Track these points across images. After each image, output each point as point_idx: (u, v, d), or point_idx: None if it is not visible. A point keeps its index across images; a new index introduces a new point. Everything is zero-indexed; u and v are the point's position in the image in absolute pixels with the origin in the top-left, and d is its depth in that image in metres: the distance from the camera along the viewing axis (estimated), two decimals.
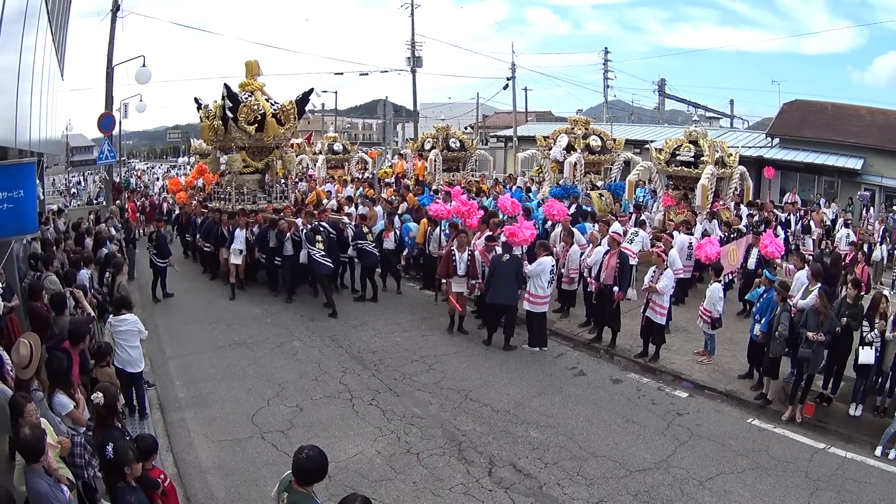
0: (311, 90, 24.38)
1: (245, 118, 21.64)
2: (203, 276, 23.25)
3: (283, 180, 24.46)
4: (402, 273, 22.04)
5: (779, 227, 22.52)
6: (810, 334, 11.55)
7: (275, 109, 22.26)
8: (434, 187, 28.74)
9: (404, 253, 21.55)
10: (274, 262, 20.07)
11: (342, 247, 19.82)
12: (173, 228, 28.50)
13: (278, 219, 20.00)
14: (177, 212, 28.93)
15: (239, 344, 15.90)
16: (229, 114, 21.51)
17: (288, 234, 19.31)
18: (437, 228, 19.51)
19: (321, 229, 18.67)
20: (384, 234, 20.19)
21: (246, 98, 22.01)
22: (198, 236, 23.04)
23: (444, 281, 16.55)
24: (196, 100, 23.65)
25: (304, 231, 18.81)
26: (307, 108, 25.56)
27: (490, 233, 17.56)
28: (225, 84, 21.91)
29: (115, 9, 28.34)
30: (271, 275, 20.82)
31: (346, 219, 21.04)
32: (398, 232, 20.96)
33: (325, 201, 26.32)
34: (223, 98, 21.80)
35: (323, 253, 18.06)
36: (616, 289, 15.11)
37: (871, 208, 30.25)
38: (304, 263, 18.99)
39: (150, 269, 20.46)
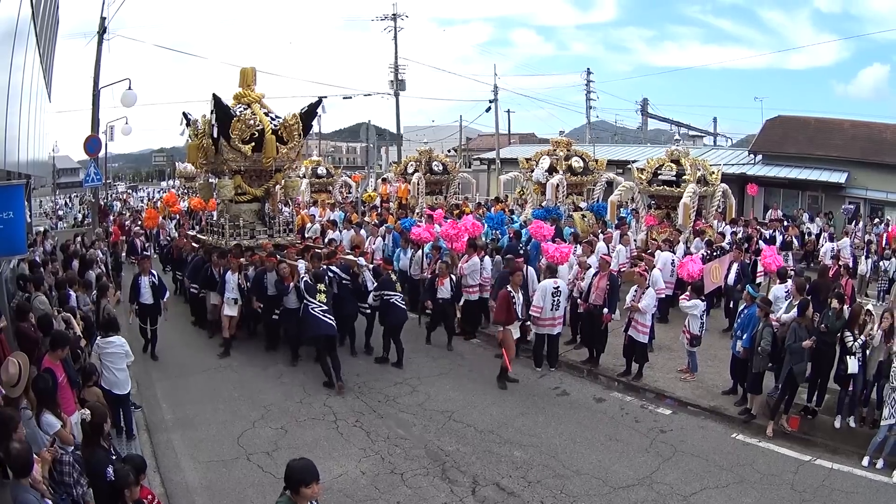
0: (320, 101, 20.21)
1: (239, 136, 18.08)
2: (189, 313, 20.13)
3: (286, 209, 21.51)
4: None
5: (762, 244, 22.74)
6: (807, 342, 11.83)
7: (275, 125, 18.69)
8: (417, 210, 28.75)
9: (460, 303, 17.96)
10: (272, 315, 16.82)
11: (358, 295, 16.60)
12: (163, 265, 25.73)
13: (278, 260, 16.82)
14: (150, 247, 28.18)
15: (224, 367, 15.93)
16: (216, 132, 18.02)
17: (291, 285, 15.92)
18: (420, 251, 19.39)
19: (327, 276, 15.34)
20: (438, 280, 17.04)
21: (240, 112, 18.47)
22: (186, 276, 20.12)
23: (500, 329, 14.70)
24: (184, 115, 20.20)
25: (304, 279, 15.14)
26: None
27: (477, 256, 17.80)
28: (214, 95, 17.98)
29: (102, 31, 28.30)
30: (269, 330, 17.36)
31: (362, 260, 17.09)
32: (454, 278, 17.39)
33: (308, 225, 26.09)
34: (211, 112, 18.19)
35: (324, 307, 14.50)
36: (605, 310, 15.28)
37: (859, 221, 30.44)
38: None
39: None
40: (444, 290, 16.98)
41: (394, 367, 15.89)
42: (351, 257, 17.31)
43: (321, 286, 14.64)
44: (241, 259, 17.40)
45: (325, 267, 15.79)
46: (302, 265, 16.44)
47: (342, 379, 14.43)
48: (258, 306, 16.67)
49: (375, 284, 16.33)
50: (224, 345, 16.88)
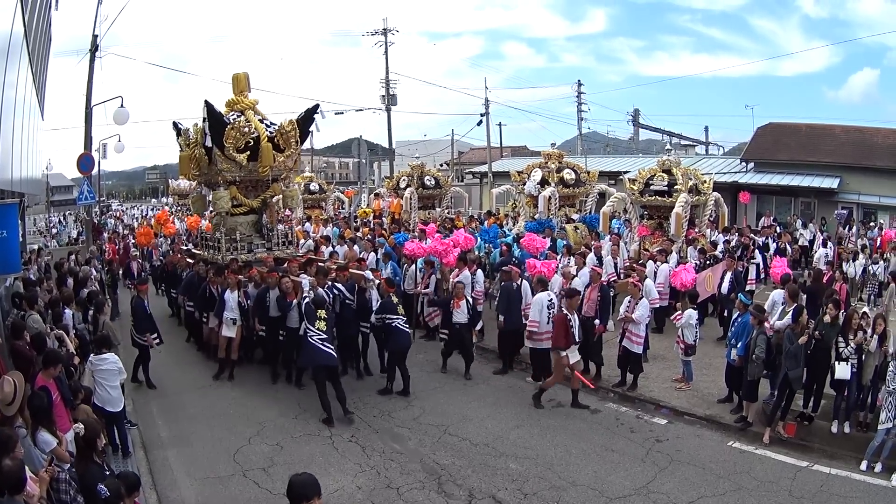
0: (317, 107, 19.38)
1: (234, 144, 17.15)
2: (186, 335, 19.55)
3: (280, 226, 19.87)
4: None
5: (756, 252, 22.82)
6: (803, 338, 11.88)
7: (271, 132, 17.79)
8: (409, 225, 28.75)
9: (478, 327, 16.98)
10: (276, 337, 15.80)
11: (362, 313, 15.72)
12: (157, 283, 24.93)
13: (280, 275, 15.86)
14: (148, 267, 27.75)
15: (219, 384, 15.87)
16: (209, 141, 17.19)
17: (294, 301, 15.07)
18: (413, 266, 19.24)
19: (331, 294, 14.77)
20: (454, 303, 15.97)
21: (234, 119, 17.52)
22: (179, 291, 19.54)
23: (562, 353, 13.89)
24: (175, 125, 19.21)
25: (306, 300, 14.09)
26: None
27: (468, 270, 17.73)
28: (206, 101, 16.97)
29: (94, 49, 28.23)
30: (270, 353, 16.34)
31: (369, 274, 16.39)
32: (470, 300, 16.52)
33: (302, 241, 25.84)
34: (203, 119, 17.24)
35: (323, 336, 13.20)
36: (598, 322, 15.28)
37: (852, 226, 30.56)
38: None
39: (133, 346, 15.83)
40: (461, 314, 15.95)
41: (399, 395, 14.80)
42: (359, 272, 16.39)
43: (321, 312, 13.46)
44: (240, 276, 16.49)
45: (330, 283, 15.26)
46: (306, 281, 15.61)
47: (350, 410, 13.53)
48: (260, 329, 15.86)
49: (377, 305, 15.42)
50: (221, 365, 16.16)
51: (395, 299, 15.16)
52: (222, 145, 17.19)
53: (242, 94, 18.46)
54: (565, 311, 13.99)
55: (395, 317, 14.76)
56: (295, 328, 14.97)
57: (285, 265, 17.45)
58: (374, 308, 15.50)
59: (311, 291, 14.48)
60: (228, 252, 18.26)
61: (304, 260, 18.38)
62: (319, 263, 17.27)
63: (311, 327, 13.23)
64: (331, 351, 13.31)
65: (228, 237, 18.52)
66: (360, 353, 16.36)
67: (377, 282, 16.02)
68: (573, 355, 13.96)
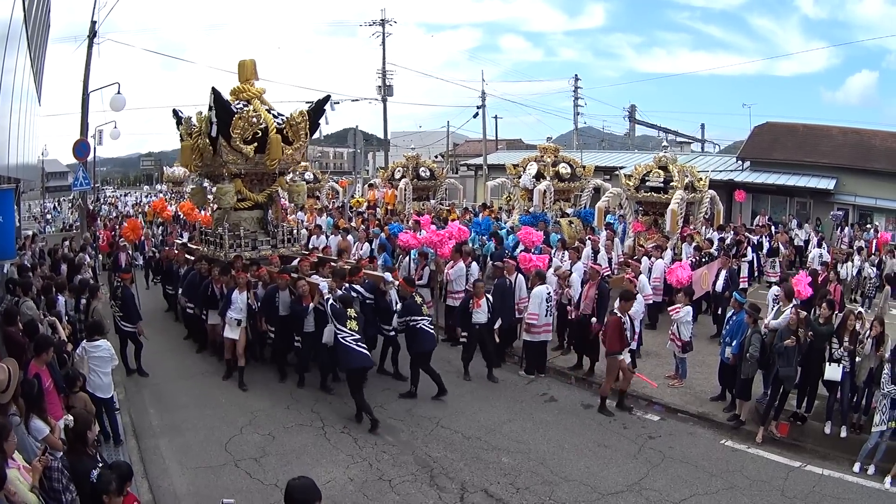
0: (328, 98, 18.64)
1: (241, 135, 16.33)
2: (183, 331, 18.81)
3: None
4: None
5: (749, 250, 22.86)
6: (788, 341, 11.78)
7: (279, 123, 16.95)
8: (404, 216, 28.71)
9: (497, 325, 15.45)
10: (286, 336, 14.96)
11: (383, 316, 14.96)
12: (156, 277, 23.32)
13: (293, 276, 15.30)
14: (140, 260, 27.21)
15: (211, 373, 15.81)
16: (215, 131, 16.22)
17: (310, 306, 14.29)
18: (408, 257, 19.17)
19: (354, 297, 13.86)
20: (474, 303, 15.17)
21: (241, 108, 16.63)
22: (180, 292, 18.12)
23: (619, 357, 13.38)
24: (175, 112, 18.30)
25: (330, 301, 13.06)
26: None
27: (463, 262, 17.65)
28: (213, 88, 16.01)
29: (92, 35, 28.15)
30: (279, 355, 15.53)
31: (388, 276, 15.50)
32: (490, 299, 15.42)
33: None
34: (210, 108, 16.21)
35: (356, 336, 12.64)
36: (594, 320, 15.14)
37: (846, 227, 30.61)
38: (327, 344, 13.73)
39: (115, 333, 15.19)
40: (481, 314, 15.18)
41: (435, 399, 14.13)
42: (377, 273, 15.83)
43: (351, 312, 12.86)
44: (248, 275, 15.61)
45: (347, 285, 14.39)
46: (325, 284, 14.33)
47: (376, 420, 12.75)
48: (268, 329, 15.14)
49: (400, 307, 14.53)
50: (228, 367, 15.35)
51: (418, 299, 14.45)
52: (229, 136, 16.36)
53: (248, 82, 17.54)
54: (619, 314, 13.53)
55: (421, 318, 14.06)
56: (311, 332, 14.42)
57: (294, 263, 16.89)
58: (397, 310, 14.66)
59: (331, 293, 13.54)
60: (231, 249, 17.37)
61: (315, 259, 17.42)
62: (333, 264, 16.25)
63: (343, 328, 12.59)
64: (366, 351, 12.85)
65: (232, 233, 17.62)
66: (393, 357, 15.66)
67: (396, 283, 15.19)
68: (626, 357, 13.75)
